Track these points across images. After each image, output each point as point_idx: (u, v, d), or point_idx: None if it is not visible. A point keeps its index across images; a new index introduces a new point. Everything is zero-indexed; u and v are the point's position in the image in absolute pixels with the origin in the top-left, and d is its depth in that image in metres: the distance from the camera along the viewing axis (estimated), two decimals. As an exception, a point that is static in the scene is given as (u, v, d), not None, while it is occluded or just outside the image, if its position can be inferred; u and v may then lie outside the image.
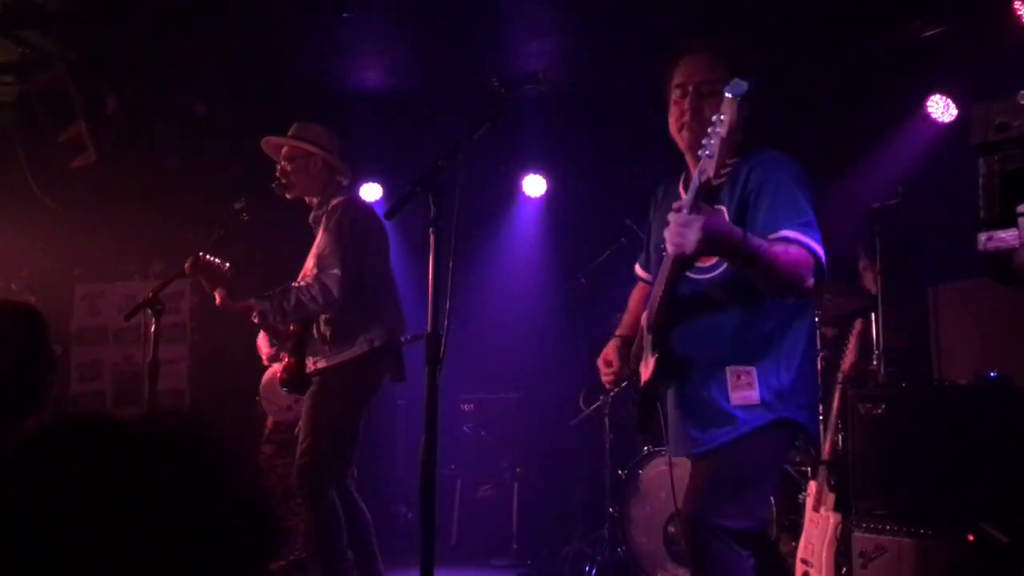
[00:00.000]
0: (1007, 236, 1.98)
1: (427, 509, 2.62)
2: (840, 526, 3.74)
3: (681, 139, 2.64)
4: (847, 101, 5.70)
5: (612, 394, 5.50)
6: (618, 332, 3.00)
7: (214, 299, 4.01)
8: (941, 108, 5.47)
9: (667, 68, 2.70)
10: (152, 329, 4.17)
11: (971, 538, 3.39)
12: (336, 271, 3.83)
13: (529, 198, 7.27)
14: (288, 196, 4.11)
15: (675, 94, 2.64)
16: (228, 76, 6.16)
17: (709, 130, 2.33)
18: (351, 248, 3.90)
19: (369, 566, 3.94)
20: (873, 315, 4.46)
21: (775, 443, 2.63)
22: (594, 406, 5.77)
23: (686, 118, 2.59)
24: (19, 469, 0.67)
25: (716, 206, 2.50)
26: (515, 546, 6.01)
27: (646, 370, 2.74)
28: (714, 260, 2.55)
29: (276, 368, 5.27)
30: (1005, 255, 2.01)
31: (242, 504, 0.72)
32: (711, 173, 2.32)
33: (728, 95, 2.33)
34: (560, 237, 7.22)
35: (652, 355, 2.66)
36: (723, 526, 2.50)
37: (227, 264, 4.01)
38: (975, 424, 3.59)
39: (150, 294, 4.20)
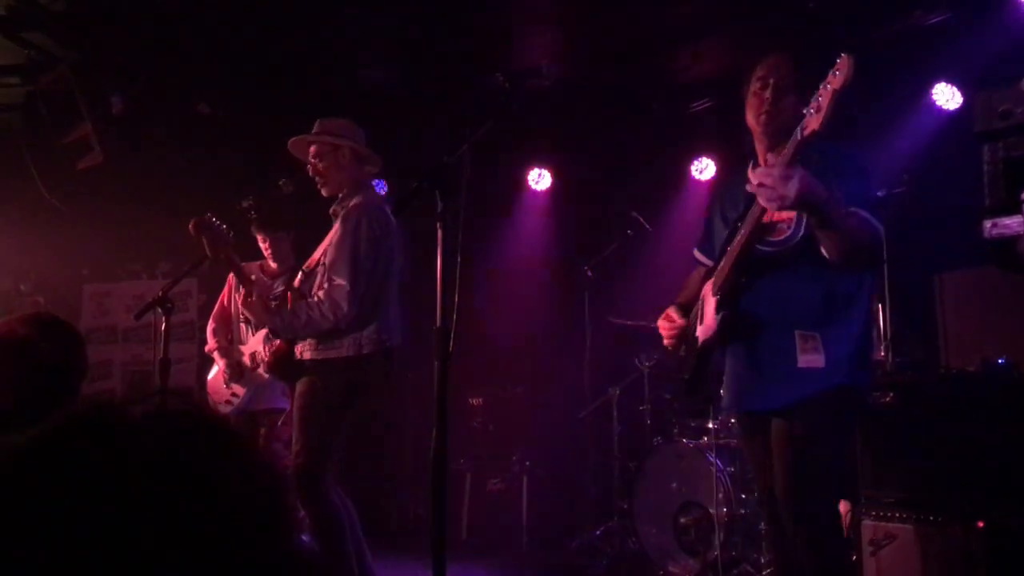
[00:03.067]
0: (1011, 223, 1.99)
1: (438, 503, 2.62)
2: (849, 514, 3.75)
3: (758, 124, 2.84)
4: (852, 90, 5.68)
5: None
6: (677, 300, 3.16)
7: (223, 284, 4.07)
8: (946, 96, 5.46)
9: (750, 65, 2.91)
10: (162, 328, 4.21)
11: (981, 525, 3.39)
12: (343, 282, 3.76)
13: (535, 192, 7.29)
14: (324, 193, 4.07)
15: (756, 85, 2.84)
16: (233, 75, 6.18)
17: (820, 86, 2.36)
18: (363, 257, 3.83)
19: (361, 563, 3.91)
20: (880, 304, 4.46)
21: (841, 408, 2.72)
22: (602, 399, 5.79)
23: (766, 107, 2.79)
24: (36, 466, 0.67)
25: None
26: (525, 539, 6.02)
27: (704, 332, 2.90)
28: (786, 234, 2.69)
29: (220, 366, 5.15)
30: (1009, 241, 2.02)
31: (256, 482, 0.72)
32: (816, 127, 2.35)
33: (845, 55, 2.35)
34: (566, 230, 7.23)
35: (716, 316, 2.81)
36: (818, 511, 2.65)
37: (231, 232, 4.08)
38: (983, 411, 3.59)
39: (159, 293, 4.23)
